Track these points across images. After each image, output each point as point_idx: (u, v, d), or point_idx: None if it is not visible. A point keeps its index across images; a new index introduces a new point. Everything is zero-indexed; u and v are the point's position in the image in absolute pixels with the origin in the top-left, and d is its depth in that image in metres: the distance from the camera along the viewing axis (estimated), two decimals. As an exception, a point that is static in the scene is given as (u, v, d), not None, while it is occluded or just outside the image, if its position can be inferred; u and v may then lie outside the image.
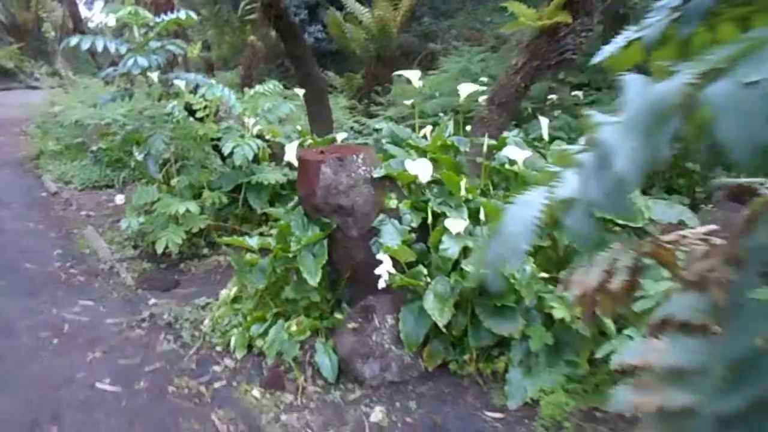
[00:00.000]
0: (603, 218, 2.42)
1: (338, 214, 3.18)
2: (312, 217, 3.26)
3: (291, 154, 3.48)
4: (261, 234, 4.64)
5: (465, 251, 2.84)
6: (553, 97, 7.75)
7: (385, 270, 2.75)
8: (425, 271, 2.87)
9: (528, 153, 2.86)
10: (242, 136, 4.63)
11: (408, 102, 7.82)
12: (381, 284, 2.77)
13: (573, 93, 7.67)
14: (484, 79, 8.91)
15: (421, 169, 2.94)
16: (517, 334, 2.75)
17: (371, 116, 8.33)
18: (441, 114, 7.93)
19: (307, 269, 3.08)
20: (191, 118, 4.78)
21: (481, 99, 7.57)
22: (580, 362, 2.77)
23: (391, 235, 3.10)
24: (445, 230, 2.90)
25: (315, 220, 3.24)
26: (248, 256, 3.56)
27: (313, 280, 3.03)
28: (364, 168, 3.19)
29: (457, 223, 2.86)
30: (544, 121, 3.31)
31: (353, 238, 3.23)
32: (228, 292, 3.50)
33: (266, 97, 4.82)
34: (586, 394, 2.73)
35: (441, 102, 8.05)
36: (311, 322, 3.23)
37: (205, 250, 4.68)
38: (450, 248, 2.83)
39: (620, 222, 2.85)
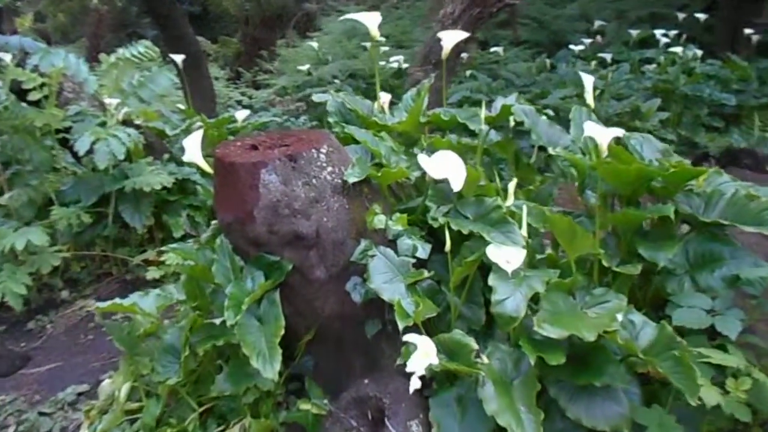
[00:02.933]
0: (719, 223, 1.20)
1: (293, 247, 1.86)
2: (247, 254, 1.91)
3: (195, 150, 2.06)
4: (147, 262, 3.16)
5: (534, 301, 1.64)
6: (464, 56, 6.67)
7: (423, 364, 1.47)
8: (473, 344, 1.63)
9: (618, 131, 1.70)
10: (103, 125, 3.08)
11: (303, 68, 6.44)
12: (414, 385, 1.50)
13: (492, 49, 6.63)
14: (382, 39, 7.67)
15: (451, 169, 1.68)
16: (626, 426, 1.62)
17: (258, 87, 6.82)
18: (337, 81, 6.61)
19: (255, 349, 1.74)
20: (23, 104, 3.12)
21: (393, 59, 6.35)
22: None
23: (384, 276, 1.84)
24: (488, 265, 1.69)
25: (253, 260, 1.89)
26: (140, 318, 2.13)
27: (270, 370, 1.70)
28: (330, 170, 1.87)
29: (508, 252, 1.65)
30: (588, 79, 2.15)
31: (318, 282, 1.92)
32: (115, 388, 2.05)
33: (132, 66, 3.26)
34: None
35: (337, 66, 6.71)
36: (264, 425, 1.91)
37: (65, 294, 3.11)
38: (510, 298, 1.62)
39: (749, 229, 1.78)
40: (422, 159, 1.74)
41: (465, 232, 1.78)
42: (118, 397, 1.97)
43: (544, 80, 6.20)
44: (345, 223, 1.89)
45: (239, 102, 6.05)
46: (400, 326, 1.62)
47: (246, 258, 1.92)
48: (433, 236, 2.00)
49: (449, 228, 1.80)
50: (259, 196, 1.79)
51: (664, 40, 5.78)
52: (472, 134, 3.30)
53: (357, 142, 2.17)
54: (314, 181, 1.83)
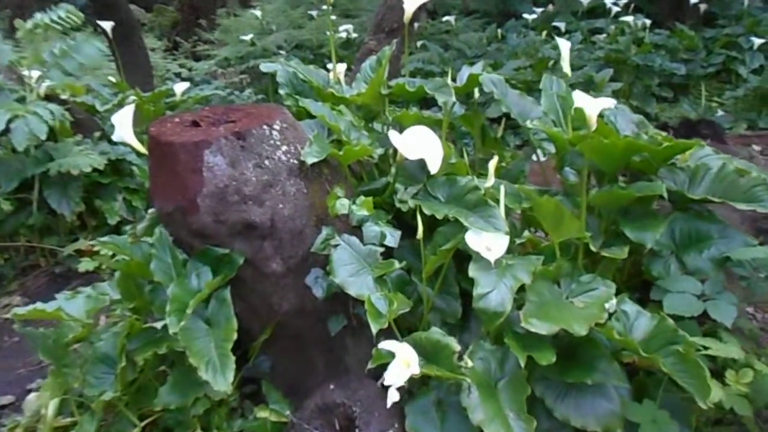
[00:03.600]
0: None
1: (244, 237, 1.62)
2: (190, 247, 1.66)
3: (125, 128, 1.77)
4: (79, 252, 2.85)
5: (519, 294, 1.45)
6: (415, 25, 6.42)
7: (404, 376, 1.27)
8: (455, 345, 1.44)
9: (609, 102, 1.52)
10: (22, 100, 2.72)
11: (246, 38, 6.05)
12: (393, 398, 1.29)
13: (444, 18, 6.39)
14: (325, 6, 7.32)
15: (427, 147, 1.47)
16: (619, 425, 1.47)
17: (198, 58, 6.39)
18: (283, 52, 6.25)
19: (204, 357, 1.51)
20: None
21: (342, 29, 6.04)
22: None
23: (350, 268, 1.63)
24: (465, 252, 1.50)
25: (198, 254, 1.64)
26: (70, 324, 1.85)
27: (222, 381, 1.47)
28: (285, 149, 1.63)
29: (489, 239, 1.46)
30: (564, 45, 1.96)
31: (275, 276, 1.69)
32: (41, 404, 1.78)
33: (57, 35, 2.89)
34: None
35: (283, 36, 6.35)
36: (216, 438, 1.69)
37: (-14, 290, 2.77)
38: (494, 291, 1.43)
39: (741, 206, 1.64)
40: (394, 137, 1.52)
41: (439, 216, 1.58)
42: (45, 414, 1.70)
43: (495, 51, 6.05)
44: (303, 209, 1.66)
45: (178, 74, 5.63)
46: (374, 329, 1.41)
47: (189, 251, 1.67)
48: (400, 219, 1.80)
49: (421, 212, 1.60)
50: (203, 180, 1.54)
51: (615, 9, 5.69)
52: (430, 106, 3.11)
53: (312, 116, 1.93)
54: (267, 162, 1.59)
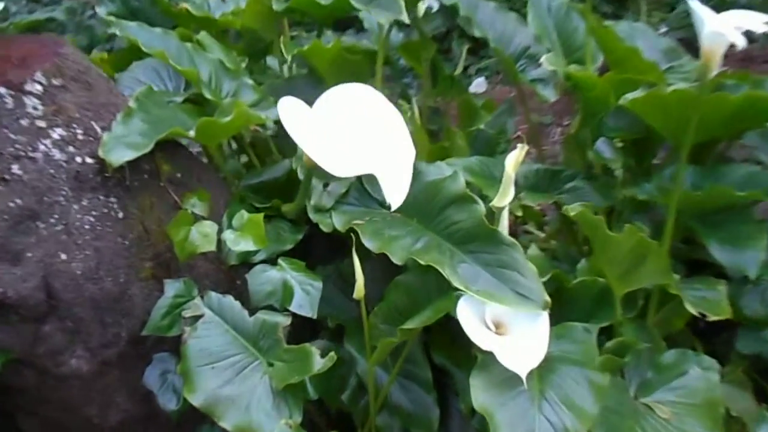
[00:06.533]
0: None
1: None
2: None
3: None
4: None
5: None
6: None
7: None
8: None
9: (755, 17, 0.71)
10: None
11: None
12: None
13: None
14: None
15: (379, 148, 0.63)
16: None
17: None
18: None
19: None
20: None
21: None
22: None
23: (222, 370, 0.79)
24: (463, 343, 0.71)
25: None
26: None
27: None
28: (63, 133, 0.73)
29: (509, 318, 0.67)
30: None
31: (80, 378, 0.84)
32: None
33: None
34: None
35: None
36: None
37: None
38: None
39: None
40: (293, 126, 0.65)
41: (398, 261, 0.75)
42: None
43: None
44: (119, 252, 0.80)
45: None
46: None
47: None
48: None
49: (357, 243, 0.78)
50: None
51: None
52: (344, 28, 2.21)
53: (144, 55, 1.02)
54: (17, 168, 0.70)
